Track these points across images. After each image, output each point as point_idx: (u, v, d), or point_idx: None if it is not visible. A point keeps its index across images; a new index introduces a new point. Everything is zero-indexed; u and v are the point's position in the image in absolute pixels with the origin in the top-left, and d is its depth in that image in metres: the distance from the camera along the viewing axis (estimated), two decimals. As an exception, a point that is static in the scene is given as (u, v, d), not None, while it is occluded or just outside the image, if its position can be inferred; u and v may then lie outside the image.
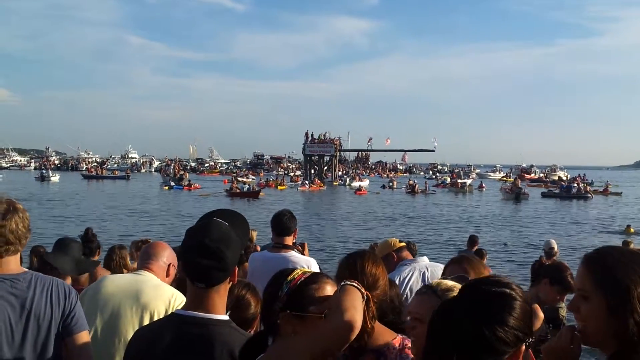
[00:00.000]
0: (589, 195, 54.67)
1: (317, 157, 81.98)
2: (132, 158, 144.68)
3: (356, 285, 1.81)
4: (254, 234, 7.99)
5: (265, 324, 1.92)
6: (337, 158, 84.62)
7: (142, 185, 67.28)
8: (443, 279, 2.58)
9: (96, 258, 5.88)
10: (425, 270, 4.30)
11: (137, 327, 2.80)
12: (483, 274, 2.71)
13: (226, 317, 2.10)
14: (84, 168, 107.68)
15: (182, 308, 2.14)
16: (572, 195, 54.31)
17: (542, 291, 4.17)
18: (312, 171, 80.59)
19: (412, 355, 2.07)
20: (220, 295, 2.09)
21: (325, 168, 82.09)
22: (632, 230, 27.20)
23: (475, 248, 10.81)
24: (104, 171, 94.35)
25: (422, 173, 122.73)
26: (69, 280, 4.01)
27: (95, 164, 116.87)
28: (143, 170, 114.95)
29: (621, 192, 62.51)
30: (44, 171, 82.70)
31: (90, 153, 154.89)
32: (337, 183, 73.66)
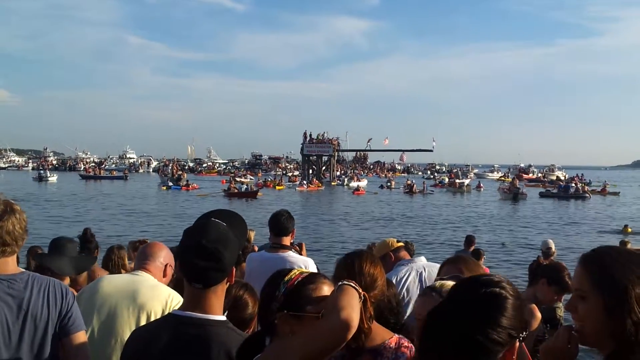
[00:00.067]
0: (587, 195, 54.78)
1: (315, 157, 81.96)
2: (130, 158, 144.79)
3: (353, 285, 1.81)
4: (252, 234, 7.99)
5: (263, 324, 1.92)
6: (336, 158, 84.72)
7: (140, 186, 67.26)
8: (439, 279, 2.58)
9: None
10: (422, 270, 4.30)
11: (134, 328, 2.79)
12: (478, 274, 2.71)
13: (223, 318, 2.10)
14: (82, 168, 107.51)
15: (179, 308, 2.13)
16: (570, 195, 54.40)
17: (539, 291, 4.18)
18: (310, 171, 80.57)
19: (409, 355, 2.07)
20: (218, 296, 2.08)
21: (324, 168, 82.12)
22: (629, 230, 27.25)
23: (472, 248, 10.81)
24: (101, 171, 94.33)
25: (420, 173, 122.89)
26: (67, 281, 4.01)
27: (93, 164, 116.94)
28: (141, 171, 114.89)
29: (619, 192, 62.64)
30: (41, 171, 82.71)
31: (88, 153, 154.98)
32: (335, 183, 73.73)
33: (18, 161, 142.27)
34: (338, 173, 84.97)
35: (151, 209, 38.77)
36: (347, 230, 28.38)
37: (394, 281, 3.84)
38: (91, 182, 75.09)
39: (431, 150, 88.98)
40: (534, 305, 3.92)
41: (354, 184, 68.26)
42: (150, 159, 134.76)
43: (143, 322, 2.89)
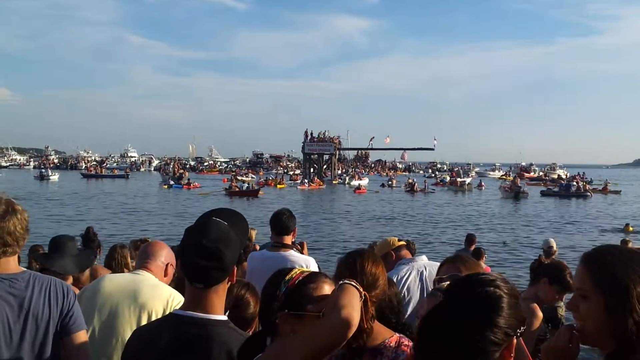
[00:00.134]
0: (588, 193, 54.72)
1: (316, 155, 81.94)
2: (132, 157, 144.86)
3: (354, 284, 1.81)
4: (253, 233, 7.99)
5: (264, 323, 1.92)
6: (337, 157, 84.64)
7: (141, 184, 67.26)
8: (438, 278, 2.58)
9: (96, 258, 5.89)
10: (423, 269, 4.30)
11: (134, 327, 2.79)
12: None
13: (224, 318, 2.10)
14: (83, 167, 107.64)
15: (180, 308, 2.13)
16: (571, 193, 54.33)
17: (541, 290, 4.17)
18: (312, 170, 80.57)
19: (409, 353, 2.07)
20: (219, 296, 2.08)
21: (325, 167, 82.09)
22: (630, 228, 27.25)
23: (473, 247, 10.78)
24: (103, 170, 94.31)
25: (421, 172, 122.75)
26: (70, 280, 4.01)
27: (95, 162, 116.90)
28: (142, 169, 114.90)
29: (620, 191, 62.57)
30: (43, 170, 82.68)
31: (90, 152, 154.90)
32: (337, 182, 73.70)
33: (19, 160, 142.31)
34: (339, 172, 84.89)
35: (152, 207, 38.78)
36: (348, 229, 28.37)
37: (394, 280, 3.84)
38: (92, 181, 75.09)
39: (432, 149, 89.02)
40: (535, 305, 3.91)
41: (355, 182, 68.22)
42: (152, 158, 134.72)
43: (144, 321, 2.89)
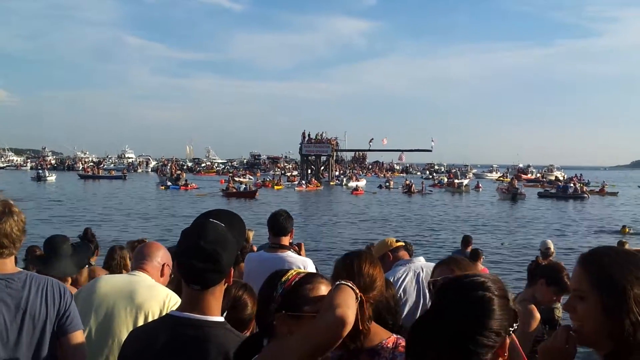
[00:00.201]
0: (586, 195, 54.78)
1: (314, 157, 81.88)
2: (129, 158, 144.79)
3: (350, 285, 1.81)
4: (251, 234, 7.99)
5: (261, 325, 1.91)
6: (334, 158, 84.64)
7: (138, 185, 67.23)
8: (432, 281, 2.58)
9: (94, 258, 5.88)
10: (420, 270, 4.29)
11: (131, 328, 2.79)
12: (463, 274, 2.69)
13: (221, 319, 2.10)
14: (81, 168, 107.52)
15: (177, 309, 2.13)
16: (568, 195, 54.41)
17: (538, 292, 4.18)
18: (309, 171, 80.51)
19: None
20: (216, 297, 2.08)
21: (322, 168, 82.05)
22: (627, 230, 27.30)
23: (470, 248, 10.79)
24: (100, 171, 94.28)
25: (418, 173, 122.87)
26: (69, 281, 4.00)
27: (92, 163, 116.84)
28: (139, 170, 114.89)
29: (617, 192, 62.65)
30: (40, 171, 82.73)
31: (87, 153, 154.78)
32: (334, 183, 73.73)
33: (16, 161, 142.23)
34: (337, 173, 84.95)
35: (150, 208, 38.75)
36: (345, 230, 28.39)
37: (391, 281, 3.84)
38: (90, 182, 75.05)
39: (430, 150, 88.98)
40: (533, 306, 3.92)
41: (352, 183, 68.22)
42: (149, 159, 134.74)
43: (141, 322, 2.89)
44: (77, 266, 3.95)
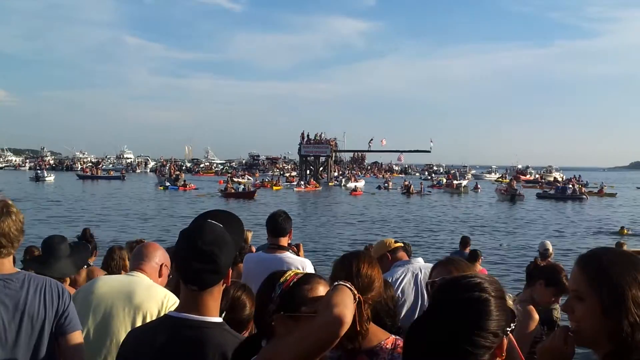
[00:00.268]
0: (584, 196, 54.79)
1: (312, 157, 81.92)
2: (128, 158, 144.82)
3: (349, 286, 1.81)
4: (249, 235, 7.99)
5: (259, 326, 1.91)
6: (333, 159, 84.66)
7: (137, 186, 67.24)
8: (430, 282, 2.58)
9: (93, 259, 5.88)
10: (418, 272, 4.29)
11: (129, 328, 2.79)
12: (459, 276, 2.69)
13: (219, 320, 2.10)
14: (79, 168, 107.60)
15: (176, 310, 2.13)
16: (567, 196, 54.44)
17: (537, 293, 4.18)
18: (308, 172, 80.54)
19: None
20: (214, 298, 2.08)
21: (321, 169, 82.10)
22: (625, 231, 27.33)
23: (468, 249, 10.79)
24: (99, 171, 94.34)
25: (417, 174, 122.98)
26: (67, 281, 3.99)
27: (91, 164, 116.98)
28: (138, 171, 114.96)
29: (616, 193, 62.71)
30: (38, 171, 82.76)
31: (86, 153, 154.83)
32: (333, 184, 73.76)
33: (15, 161, 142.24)
34: (336, 174, 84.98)
35: (148, 209, 38.75)
36: (344, 231, 28.39)
37: (389, 282, 3.83)
38: (88, 182, 75.05)
39: (429, 151, 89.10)
40: (531, 307, 3.92)
41: (351, 184, 68.20)
42: (148, 159, 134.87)
43: (139, 322, 2.89)
44: (75, 266, 3.94)
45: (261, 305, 1.89)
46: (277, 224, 4.61)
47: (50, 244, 3.84)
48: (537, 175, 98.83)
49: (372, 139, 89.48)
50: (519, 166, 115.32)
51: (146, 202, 45.01)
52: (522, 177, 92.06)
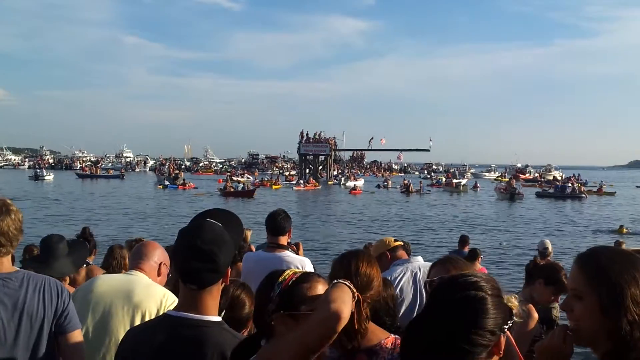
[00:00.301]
0: (583, 195, 54.82)
1: (312, 156, 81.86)
2: (127, 157, 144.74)
3: (347, 284, 1.81)
4: (249, 234, 8.00)
5: (258, 326, 1.91)
6: (332, 157, 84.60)
7: (136, 185, 67.19)
8: (429, 281, 2.58)
9: (92, 258, 5.87)
10: (417, 270, 4.28)
11: (128, 327, 2.79)
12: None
13: (218, 319, 2.09)
14: (78, 167, 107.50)
15: (174, 309, 2.13)
16: (566, 195, 54.45)
17: (536, 291, 4.18)
18: (307, 171, 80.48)
19: None
20: (213, 297, 2.08)
21: (320, 167, 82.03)
22: (624, 230, 27.36)
23: (467, 248, 10.78)
24: (98, 170, 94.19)
25: (417, 173, 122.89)
26: (67, 280, 3.98)
27: (90, 163, 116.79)
28: (137, 170, 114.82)
29: (615, 192, 62.72)
30: (38, 170, 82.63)
31: (85, 152, 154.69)
32: (332, 182, 73.71)
33: (14, 160, 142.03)
34: (335, 172, 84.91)
35: (147, 208, 38.73)
36: (343, 230, 28.38)
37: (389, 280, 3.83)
38: (87, 181, 74.98)
39: (428, 150, 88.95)
40: (530, 305, 3.92)
41: (350, 183, 68.16)
42: (147, 158, 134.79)
43: (138, 321, 2.89)
44: (74, 265, 3.94)
45: (260, 305, 1.88)
46: (277, 223, 4.61)
47: (49, 244, 3.84)
48: (536, 174, 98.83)
49: (372, 138, 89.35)
50: (519, 165, 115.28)
51: (145, 200, 44.97)
52: (522, 176, 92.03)
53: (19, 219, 2.60)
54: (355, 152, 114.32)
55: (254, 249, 6.18)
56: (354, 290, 1.81)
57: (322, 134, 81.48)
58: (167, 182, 62.07)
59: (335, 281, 1.81)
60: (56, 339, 2.60)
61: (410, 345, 1.53)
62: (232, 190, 51.15)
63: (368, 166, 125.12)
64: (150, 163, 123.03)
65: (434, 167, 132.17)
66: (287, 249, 4.63)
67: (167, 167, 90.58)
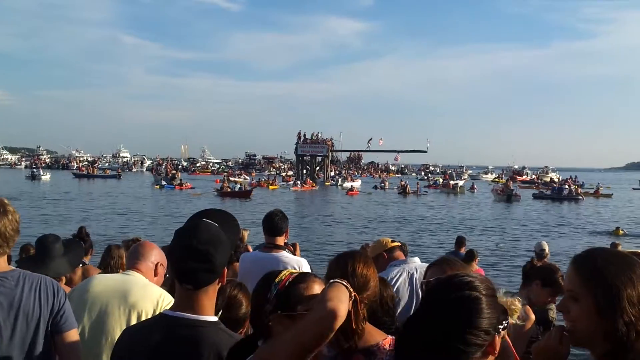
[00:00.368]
0: (580, 197, 54.88)
1: (309, 157, 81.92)
2: (124, 157, 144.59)
3: (344, 283, 1.81)
4: (246, 234, 7.99)
5: (255, 326, 1.91)
6: (330, 158, 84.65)
7: (133, 185, 67.08)
8: (425, 282, 2.58)
9: (88, 257, 5.86)
10: (414, 271, 4.29)
11: (124, 327, 2.78)
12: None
13: (215, 319, 2.09)
14: (75, 167, 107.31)
15: (171, 308, 2.12)
16: (563, 197, 54.53)
17: (533, 293, 4.18)
18: (304, 171, 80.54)
19: None
20: (209, 297, 2.07)
21: (318, 168, 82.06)
22: (621, 232, 27.42)
23: (464, 249, 10.79)
24: (95, 170, 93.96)
25: (414, 174, 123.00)
26: (63, 280, 3.97)
27: (87, 162, 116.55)
28: (134, 170, 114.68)
29: (612, 194, 62.85)
30: (34, 170, 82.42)
31: (82, 152, 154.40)
32: (329, 183, 73.65)
33: (11, 159, 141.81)
34: (332, 173, 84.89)
35: (144, 208, 38.69)
36: (340, 231, 28.39)
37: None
38: (84, 181, 74.84)
39: (425, 151, 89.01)
40: (527, 307, 3.92)
41: (347, 184, 68.13)
42: (144, 158, 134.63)
43: (134, 321, 2.88)
44: (70, 265, 3.93)
45: (257, 306, 1.88)
46: (274, 224, 4.61)
47: (44, 244, 3.82)
48: (533, 176, 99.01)
49: (370, 139, 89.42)
50: (516, 166, 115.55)
51: (142, 200, 44.92)
52: (519, 178, 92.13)
53: (16, 219, 2.59)
54: (353, 153, 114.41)
55: (251, 249, 6.17)
56: (351, 290, 1.80)
57: (319, 134, 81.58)
58: (164, 182, 62.02)
59: (332, 280, 1.81)
60: (52, 339, 2.60)
61: (405, 345, 1.54)
62: (229, 190, 51.10)
63: (365, 167, 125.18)
64: (147, 163, 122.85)
65: (431, 168, 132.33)
66: (284, 250, 4.63)
67: (164, 167, 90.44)
